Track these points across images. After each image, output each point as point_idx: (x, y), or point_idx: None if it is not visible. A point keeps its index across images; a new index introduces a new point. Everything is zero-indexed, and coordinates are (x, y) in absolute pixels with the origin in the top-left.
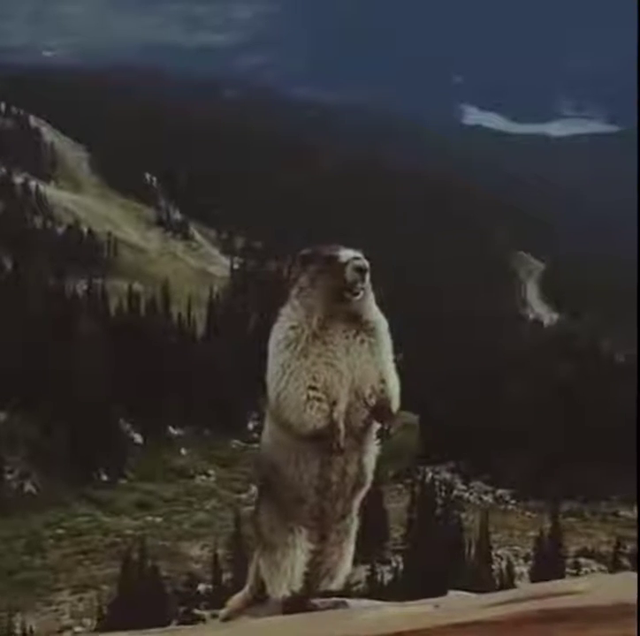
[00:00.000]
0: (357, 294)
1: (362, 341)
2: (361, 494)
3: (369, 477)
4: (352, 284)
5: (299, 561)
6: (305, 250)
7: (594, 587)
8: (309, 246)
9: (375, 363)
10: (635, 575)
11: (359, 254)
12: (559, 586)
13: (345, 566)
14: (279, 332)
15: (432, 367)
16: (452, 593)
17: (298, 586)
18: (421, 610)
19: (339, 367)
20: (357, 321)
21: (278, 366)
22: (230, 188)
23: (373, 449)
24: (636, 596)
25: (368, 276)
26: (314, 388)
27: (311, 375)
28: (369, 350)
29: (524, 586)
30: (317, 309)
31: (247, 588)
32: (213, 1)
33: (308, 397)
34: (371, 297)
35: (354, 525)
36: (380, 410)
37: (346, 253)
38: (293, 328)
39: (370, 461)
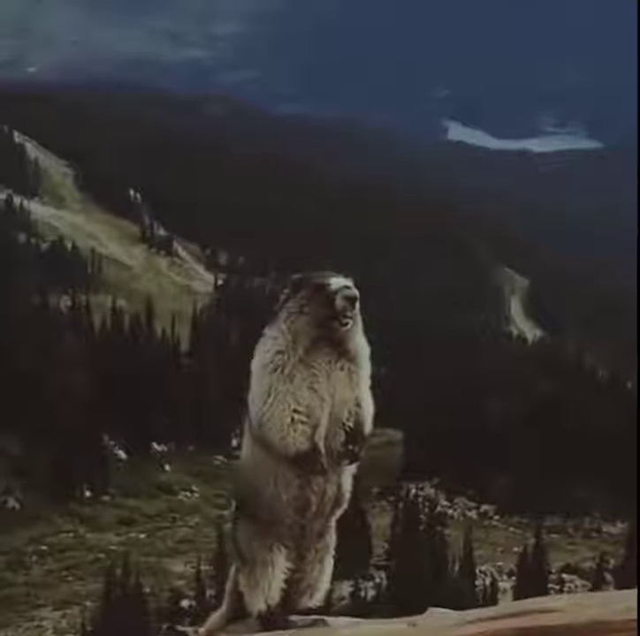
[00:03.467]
0: (345, 324)
1: (342, 367)
2: (339, 513)
3: (347, 496)
4: (340, 313)
5: (277, 578)
6: (296, 275)
7: (571, 606)
8: (301, 272)
9: (352, 388)
10: (616, 593)
11: (349, 283)
12: (536, 603)
13: (324, 583)
14: (266, 355)
15: (416, 382)
16: (431, 610)
17: (275, 600)
18: (396, 628)
19: (320, 391)
20: (340, 348)
21: (263, 388)
22: (213, 205)
23: (350, 469)
24: (613, 614)
25: (357, 305)
26: (298, 411)
27: (296, 399)
28: (347, 376)
29: (502, 605)
30: (304, 336)
31: (224, 606)
32: (195, 17)
33: (293, 420)
34: (359, 326)
35: (333, 542)
36: (354, 433)
37: (337, 282)
38: (279, 352)
39: (347, 482)
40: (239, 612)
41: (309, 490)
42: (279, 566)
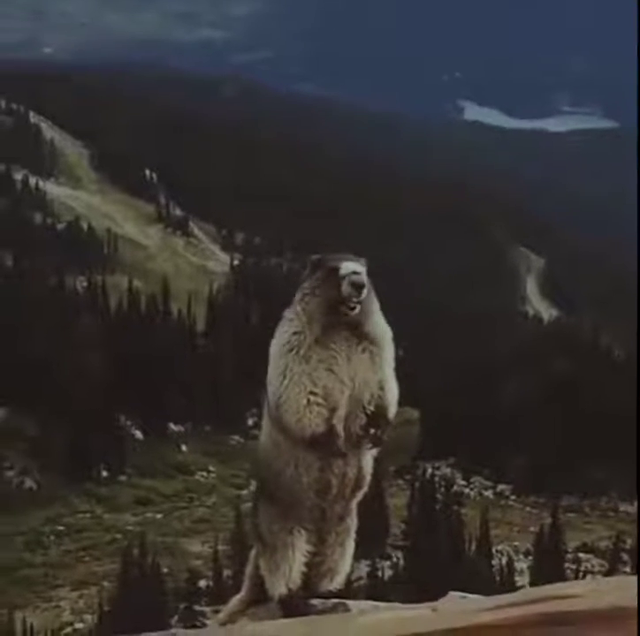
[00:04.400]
0: (353, 309)
1: (364, 350)
2: (360, 495)
3: (368, 479)
4: (347, 298)
5: (297, 562)
6: (315, 256)
7: (591, 591)
8: (319, 253)
9: (374, 371)
10: (632, 579)
11: (359, 269)
12: (557, 589)
13: (345, 566)
14: (282, 336)
15: (433, 362)
16: (452, 593)
17: (296, 584)
18: (418, 614)
19: (339, 374)
20: (359, 331)
21: (279, 369)
22: (228, 185)
23: (372, 452)
24: (632, 600)
25: (365, 292)
26: (314, 393)
27: (312, 381)
28: (370, 358)
29: (522, 591)
30: (317, 317)
31: (244, 590)
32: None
33: (308, 402)
34: (375, 308)
35: (354, 525)
36: (377, 416)
37: (347, 266)
38: (295, 333)
39: (368, 464)
40: (259, 596)
41: (330, 472)
42: (300, 549)
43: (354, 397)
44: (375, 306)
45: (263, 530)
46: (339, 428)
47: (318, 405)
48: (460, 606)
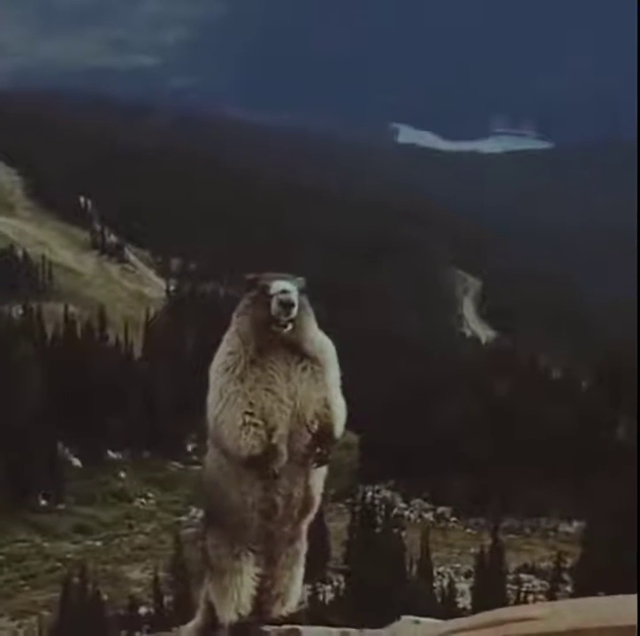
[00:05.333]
0: (284, 326)
1: (305, 368)
2: (310, 517)
3: (317, 500)
4: (275, 317)
5: (246, 585)
6: (250, 275)
7: (550, 614)
8: (256, 272)
9: (317, 389)
10: (590, 601)
11: (289, 287)
12: (513, 612)
13: (296, 590)
14: (219, 357)
15: (370, 385)
16: (404, 618)
17: (247, 609)
18: None
19: (278, 393)
20: (298, 350)
21: (216, 390)
22: (163, 211)
23: (321, 471)
24: (590, 622)
25: (294, 311)
26: (250, 413)
27: (248, 401)
28: (311, 376)
29: (479, 614)
30: (251, 336)
31: (198, 616)
32: (140, 25)
33: (245, 423)
34: (311, 326)
35: (304, 548)
36: (321, 434)
37: (277, 286)
38: (230, 353)
39: (317, 485)
40: (213, 621)
41: (274, 493)
42: (248, 573)
43: (296, 416)
44: (311, 323)
45: (211, 554)
46: (282, 448)
47: (255, 425)
48: (418, 631)
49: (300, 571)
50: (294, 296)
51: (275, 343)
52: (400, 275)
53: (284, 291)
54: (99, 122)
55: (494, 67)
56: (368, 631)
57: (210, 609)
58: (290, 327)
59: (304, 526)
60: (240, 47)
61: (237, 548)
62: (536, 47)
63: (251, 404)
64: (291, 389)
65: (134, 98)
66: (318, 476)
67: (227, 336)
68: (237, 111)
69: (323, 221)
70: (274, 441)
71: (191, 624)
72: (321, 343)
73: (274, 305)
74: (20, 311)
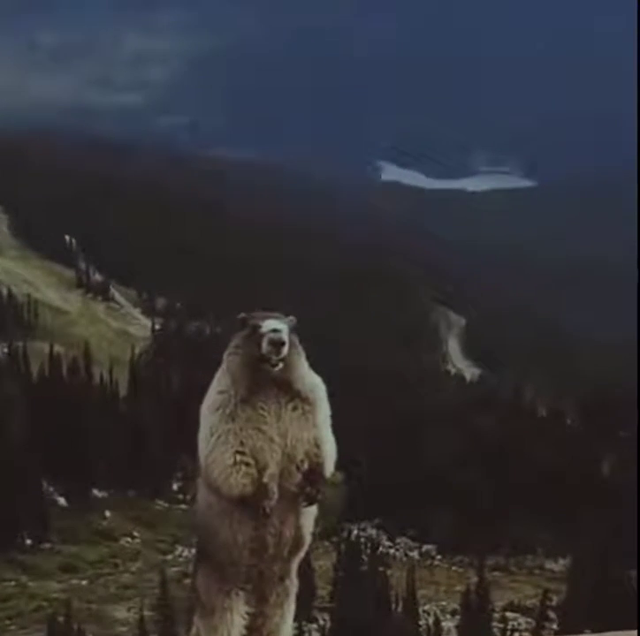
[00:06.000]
0: (275, 366)
1: (295, 408)
2: (300, 555)
3: (308, 539)
4: (266, 356)
5: (236, 625)
6: (241, 314)
7: None
8: (248, 311)
9: (308, 428)
10: None
11: (280, 326)
12: None
13: (286, 628)
14: (209, 396)
15: (355, 423)
16: None
17: None
18: None
19: (268, 432)
20: (289, 389)
21: (207, 429)
22: (149, 250)
23: (311, 510)
24: None
25: (284, 350)
26: (241, 452)
27: (239, 440)
28: (302, 415)
29: None
30: (241, 375)
31: None
32: (127, 62)
33: (235, 462)
34: (302, 365)
35: (294, 587)
36: (311, 474)
37: (268, 325)
38: (221, 392)
39: (308, 523)
40: None
41: (265, 531)
42: (238, 611)
43: (286, 455)
44: (301, 362)
45: (201, 592)
46: (272, 487)
47: (246, 464)
48: None
49: (290, 610)
50: (285, 335)
51: (266, 382)
52: (385, 312)
53: (274, 330)
54: (84, 160)
55: (478, 105)
56: None
57: None
58: (281, 366)
59: (294, 565)
60: (224, 83)
61: (227, 586)
62: (518, 84)
63: (242, 443)
64: (281, 429)
65: (120, 136)
66: (309, 515)
67: (218, 375)
68: (222, 149)
69: (308, 259)
70: (265, 480)
71: None
72: (311, 382)
73: (265, 344)
74: (5, 349)
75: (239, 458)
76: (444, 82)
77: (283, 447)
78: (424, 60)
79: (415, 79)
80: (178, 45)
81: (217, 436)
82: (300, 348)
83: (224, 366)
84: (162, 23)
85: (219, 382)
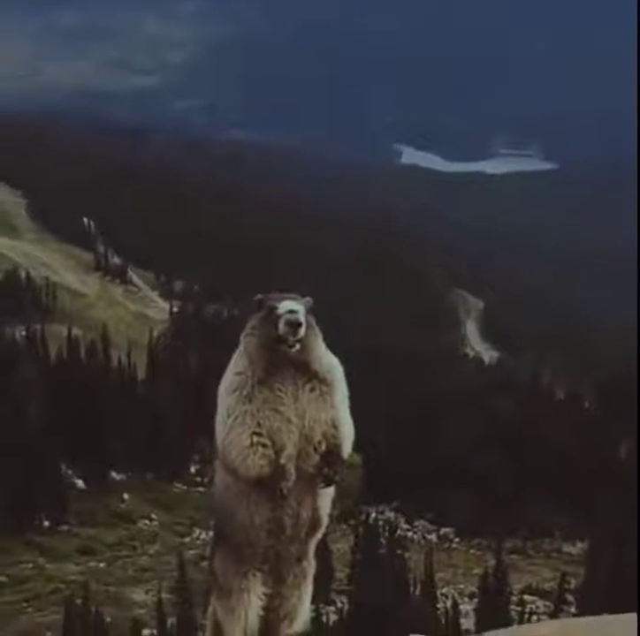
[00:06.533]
0: (292, 346)
1: (313, 389)
2: (317, 537)
3: (325, 520)
4: (283, 337)
5: (253, 606)
6: (258, 296)
7: (555, 632)
8: (265, 293)
9: (325, 409)
10: (599, 619)
11: (296, 307)
12: (522, 631)
13: (304, 609)
14: (226, 378)
15: (373, 406)
16: None
17: (254, 629)
18: None
19: (286, 413)
20: (306, 370)
21: (223, 411)
22: (167, 232)
23: (329, 492)
24: None
25: (301, 330)
26: (258, 433)
27: (256, 421)
28: (319, 397)
29: (491, 632)
30: (257, 357)
31: (206, 635)
32: (145, 45)
33: (253, 443)
34: (318, 346)
35: (312, 568)
36: (329, 455)
37: (284, 306)
38: (238, 373)
39: (325, 504)
40: None
41: (282, 513)
42: (255, 592)
43: (304, 436)
44: (318, 343)
45: (219, 573)
46: (290, 468)
47: (263, 445)
48: None
49: (308, 591)
50: (302, 316)
51: (283, 363)
52: (404, 296)
53: (291, 311)
54: (102, 143)
55: (497, 87)
56: None
57: (217, 628)
58: (298, 347)
59: (311, 546)
60: (242, 68)
61: (244, 567)
62: (539, 66)
63: (259, 424)
64: (299, 410)
65: (137, 119)
66: (326, 497)
67: (235, 356)
68: (239, 132)
69: (326, 242)
70: (282, 461)
71: None
72: (329, 363)
73: (282, 325)
74: (24, 333)
75: (256, 439)
76: (463, 64)
77: (300, 428)
78: (445, 42)
79: (436, 61)
80: (195, 31)
81: (234, 418)
82: (316, 329)
83: (241, 347)
84: (181, 10)
85: (236, 364)
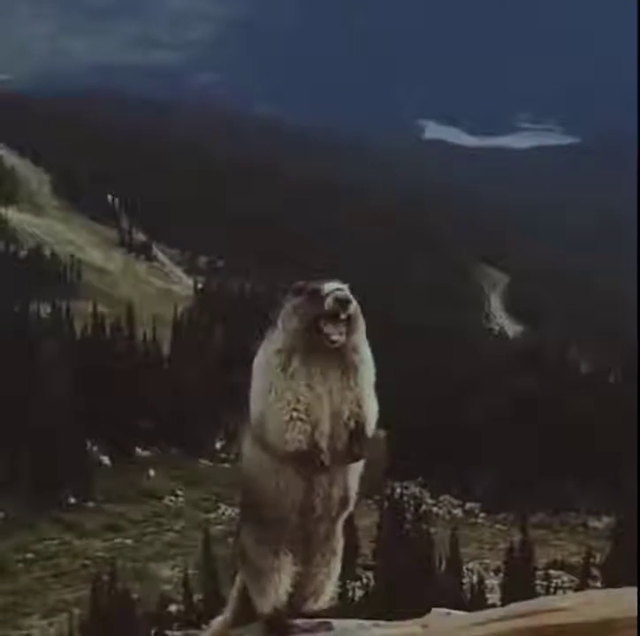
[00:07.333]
0: (334, 343)
1: (339, 366)
2: (345, 515)
3: (353, 499)
4: (331, 313)
5: (283, 584)
6: (298, 282)
7: (580, 604)
8: (302, 280)
9: (351, 388)
10: (622, 591)
11: (343, 287)
12: (544, 603)
13: (330, 587)
14: (264, 354)
15: (398, 382)
16: (435, 610)
17: (282, 604)
18: (409, 631)
19: (318, 390)
20: (337, 353)
21: (262, 386)
22: (191, 208)
23: (358, 470)
24: (623, 612)
25: (351, 307)
26: (297, 409)
27: (295, 396)
28: (345, 374)
29: (511, 605)
30: (298, 335)
31: (228, 611)
32: (166, 21)
33: (291, 418)
34: (358, 336)
35: (340, 546)
36: (356, 432)
37: (330, 286)
38: (278, 351)
39: (354, 483)
40: (242, 618)
41: (313, 492)
42: (286, 571)
43: (334, 413)
44: (358, 335)
45: (249, 551)
46: (323, 444)
47: (301, 420)
48: (450, 622)
49: (336, 568)
50: (349, 293)
51: (318, 344)
52: (428, 271)
53: (338, 289)
54: (124, 119)
55: (519, 62)
56: (397, 623)
57: (241, 605)
58: (343, 339)
59: (339, 524)
60: (266, 44)
61: (275, 546)
62: (560, 40)
63: (297, 400)
64: (327, 387)
65: (160, 95)
66: (355, 474)
67: (271, 334)
68: (263, 108)
69: (349, 217)
70: (317, 436)
71: (220, 618)
72: (363, 350)
73: (329, 300)
74: (49, 309)
75: (294, 414)
76: (485, 41)
77: (330, 404)
78: (467, 19)
79: (458, 37)
80: (219, 7)
81: (274, 393)
82: (362, 323)
83: (280, 325)
84: None
85: (276, 340)
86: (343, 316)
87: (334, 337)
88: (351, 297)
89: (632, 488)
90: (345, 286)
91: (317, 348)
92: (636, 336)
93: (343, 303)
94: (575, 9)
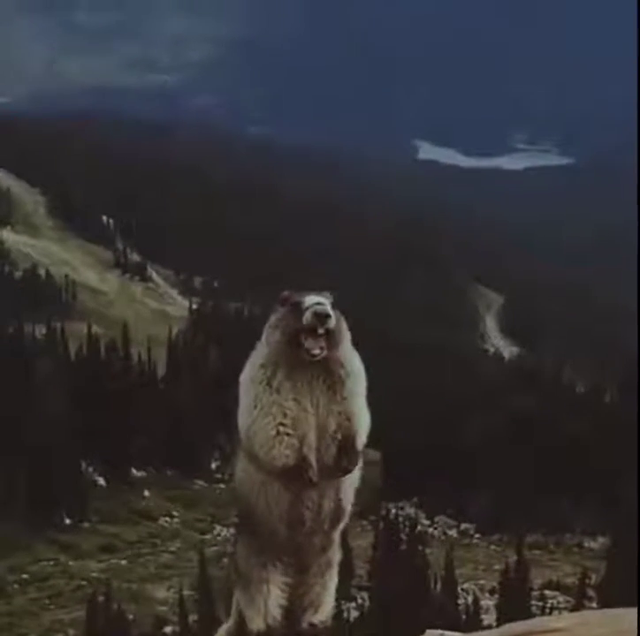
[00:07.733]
0: (314, 357)
1: (325, 380)
2: (341, 526)
3: (348, 510)
4: (309, 328)
5: (273, 595)
6: (284, 293)
7: (575, 625)
8: (289, 291)
9: (338, 401)
10: (617, 611)
11: (324, 301)
12: (540, 624)
13: (328, 598)
14: (250, 369)
15: (394, 400)
16: (430, 632)
17: (276, 619)
18: None
19: (304, 403)
20: (322, 366)
21: (248, 401)
22: (186, 229)
23: (352, 483)
24: (618, 633)
25: (331, 322)
26: (283, 424)
27: (282, 411)
28: (331, 388)
29: (506, 626)
30: (280, 349)
31: (231, 621)
32: (163, 43)
33: (278, 432)
34: (343, 349)
35: (337, 557)
36: (344, 446)
37: (311, 299)
38: (262, 365)
39: (348, 495)
40: (244, 628)
41: (302, 505)
42: (275, 583)
43: (320, 427)
44: (343, 345)
45: (241, 563)
46: (311, 458)
47: (288, 435)
48: None
49: (333, 581)
50: (329, 308)
51: (302, 357)
52: (423, 291)
53: (318, 303)
54: (121, 140)
55: (515, 83)
56: None
57: (241, 618)
58: (324, 353)
59: (336, 535)
60: (264, 66)
61: (264, 557)
62: (556, 61)
63: (284, 414)
64: (314, 400)
65: (156, 117)
66: (349, 487)
67: (258, 347)
68: (260, 129)
69: (345, 237)
70: (305, 451)
71: (224, 628)
72: (351, 360)
73: (308, 315)
74: (44, 330)
75: (281, 429)
76: (481, 60)
77: (316, 418)
78: (463, 39)
79: (453, 57)
80: (217, 28)
81: (260, 408)
82: (346, 332)
83: (264, 339)
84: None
85: (260, 355)
86: (321, 331)
87: (314, 351)
88: (330, 311)
89: (629, 507)
90: (326, 300)
91: (300, 362)
92: (636, 350)
93: (321, 317)
94: (571, 30)
